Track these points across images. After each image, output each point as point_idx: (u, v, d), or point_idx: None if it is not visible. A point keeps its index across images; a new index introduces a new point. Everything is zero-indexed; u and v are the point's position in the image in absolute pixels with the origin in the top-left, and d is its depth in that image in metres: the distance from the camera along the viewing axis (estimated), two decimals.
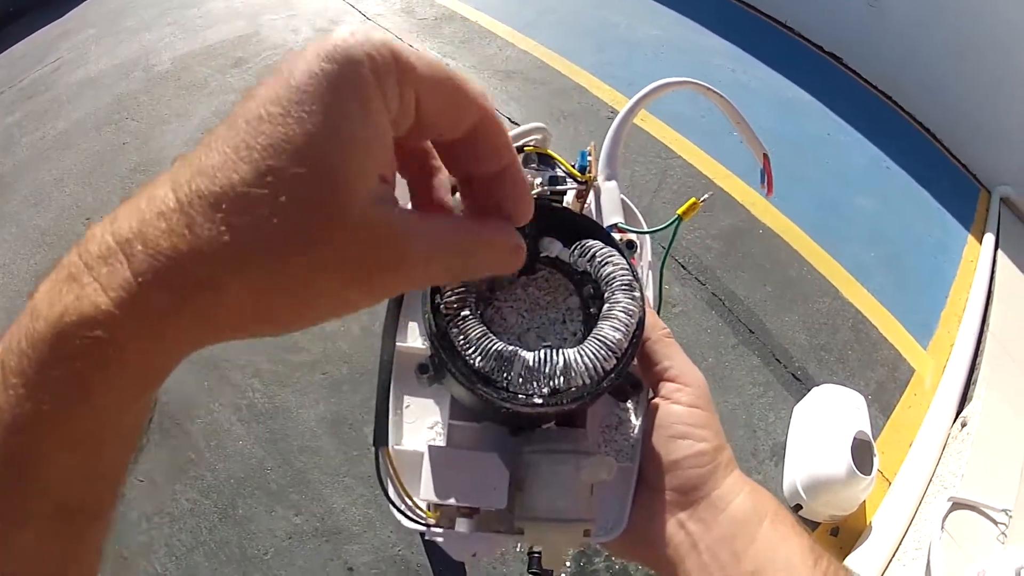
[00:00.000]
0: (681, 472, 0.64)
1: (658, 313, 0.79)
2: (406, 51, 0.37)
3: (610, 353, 0.58)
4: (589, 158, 0.86)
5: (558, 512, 0.62)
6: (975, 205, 4.72)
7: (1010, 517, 2.74)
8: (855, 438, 2.78)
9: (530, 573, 1.19)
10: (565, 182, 0.84)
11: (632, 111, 1.01)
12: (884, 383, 3.50)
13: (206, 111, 4.85)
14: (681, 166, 4.33)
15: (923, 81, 5.12)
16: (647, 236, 0.87)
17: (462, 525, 0.67)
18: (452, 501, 0.64)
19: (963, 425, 3.17)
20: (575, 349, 0.58)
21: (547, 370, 0.57)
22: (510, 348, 0.57)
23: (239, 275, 0.33)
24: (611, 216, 0.87)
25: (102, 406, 0.35)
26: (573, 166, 0.87)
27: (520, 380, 0.56)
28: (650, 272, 0.87)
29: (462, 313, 0.58)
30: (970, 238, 4.44)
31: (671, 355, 0.69)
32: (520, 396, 0.57)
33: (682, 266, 3.78)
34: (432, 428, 0.73)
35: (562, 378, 0.57)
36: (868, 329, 3.71)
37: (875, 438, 3.01)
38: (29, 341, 0.34)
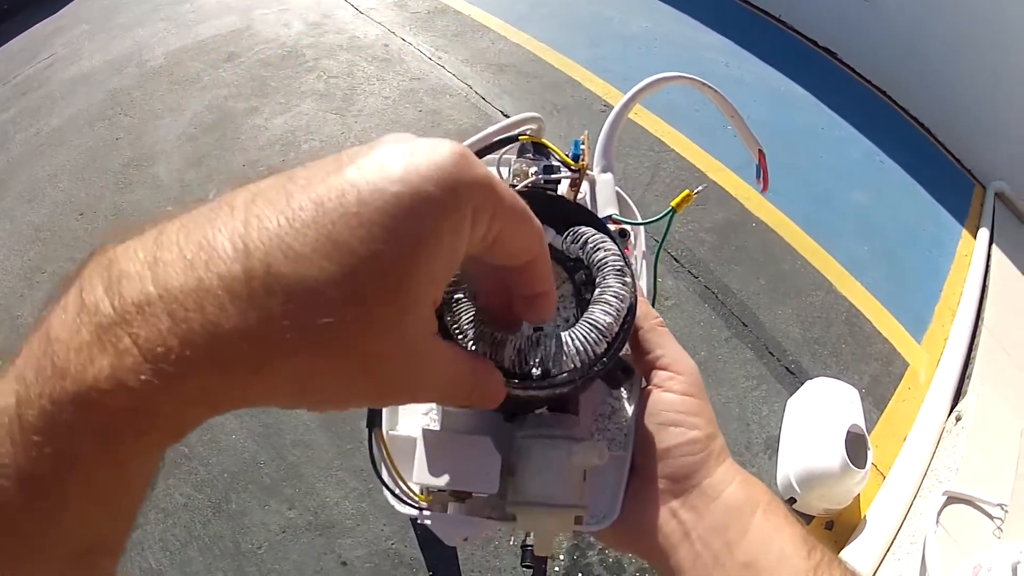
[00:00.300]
0: (673, 460, 0.64)
1: (652, 304, 0.79)
2: (503, 189, 0.38)
3: (600, 336, 0.58)
4: (582, 147, 0.87)
5: (549, 497, 0.61)
6: (969, 200, 4.73)
7: (1006, 511, 2.74)
8: (849, 431, 2.78)
9: (523, 567, 1.19)
10: (559, 171, 0.84)
11: (627, 105, 1.02)
12: (878, 377, 3.50)
13: (199, 105, 4.86)
14: (674, 159, 4.33)
15: (918, 76, 5.13)
16: (641, 227, 0.87)
17: (454, 509, 0.67)
18: (444, 484, 0.64)
19: (958, 419, 3.17)
20: (566, 332, 0.58)
21: (538, 353, 0.56)
22: (499, 333, 0.57)
23: (288, 366, 0.33)
24: (606, 207, 0.88)
25: (130, 464, 0.34)
26: (567, 155, 0.87)
27: (511, 363, 0.56)
28: (644, 262, 0.87)
29: (455, 297, 0.58)
30: (964, 233, 4.44)
31: (663, 343, 0.69)
32: (511, 379, 0.56)
33: (675, 259, 3.78)
34: (426, 414, 0.73)
35: (553, 361, 0.56)
36: (862, 323, 3.71)
37: (869, 432, 3.01)
38: (53, 398, 0.31)
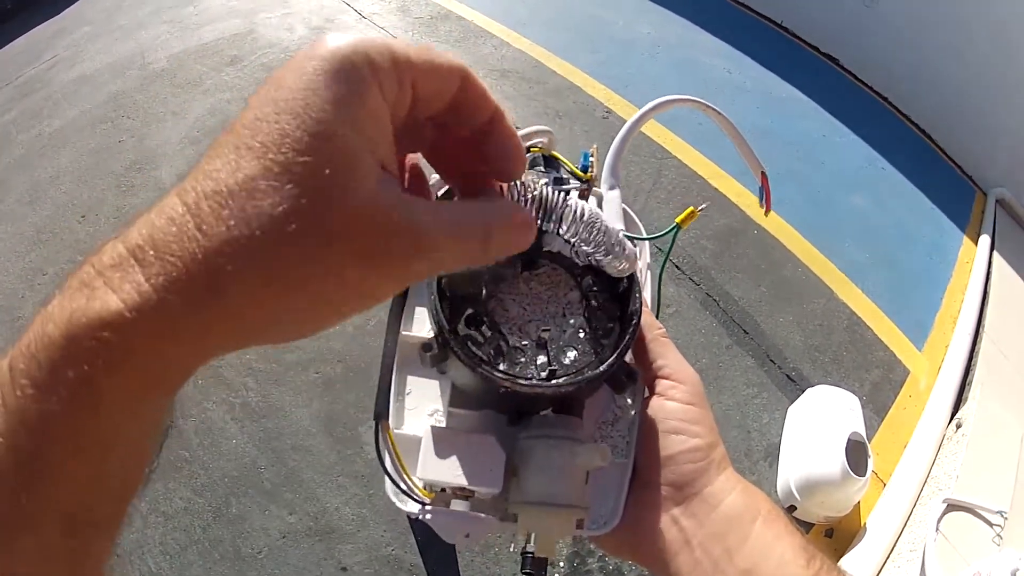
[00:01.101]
0: (675, 467, 0.65)
1: (656, 316, 0.80)
2: (400, 45, 0.38)
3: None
4: (591, 159, 0.90)
5: (551, 496, 0.62)
6: (970, 207, 4.74)
7: (1006, 519, 2.74)
8: (849, 439, 2.78)
9: (523, 574, 1.19)
10: (568, 183, 0.87)
11: (636, 125, 1.04)
12: (879, 384, 3.50)
13: (201, 109, 4.85)
14: (676, 166, 4.33)
15: (919, 82, 5.14)
16: (646, 242, 0.89)
17: (457, 506, 0.68)
18: (448, 481, 0.65)
19: (958, 426, 3.17)
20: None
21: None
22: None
23: (253, 270, 0.33)
24: (612, 223, 0.89)
25: (110, 411, 0.34)
26: (576, 167, 0.88)
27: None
28: (648, 274, 0.89)
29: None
30: (965, 239, 4.45)
31: (666, 353, 0.70)
32: (519, 377, 0.58)
33: (676, 267, 3.77)
34: (432, 416, 0.74)
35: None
36: (863, 330, 3.71)
37: (870, 439, 3.01)
38: (39, 344, 0.34)
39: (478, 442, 0.66)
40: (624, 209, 0.92)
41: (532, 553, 0.67)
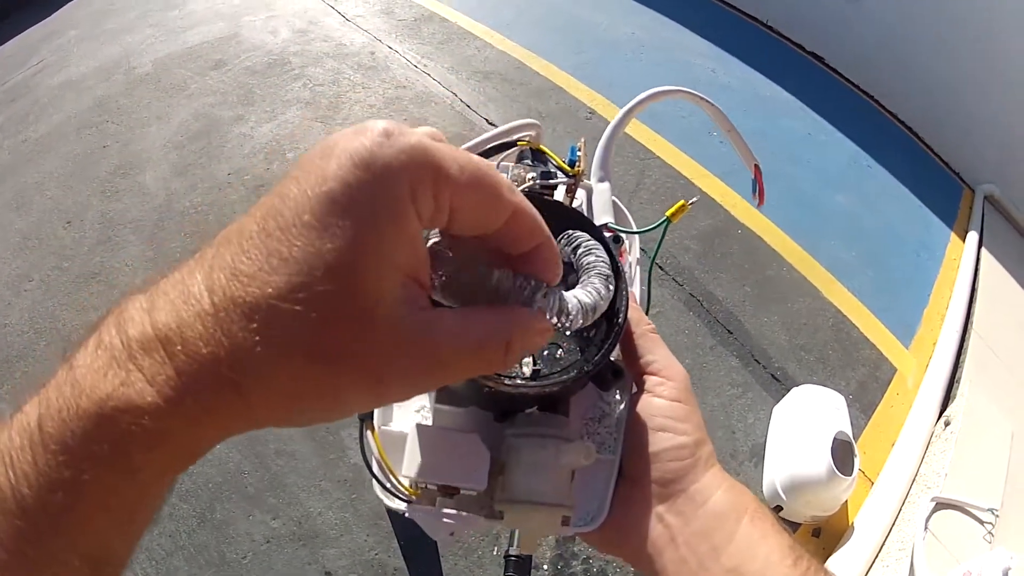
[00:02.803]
0: (661, 464, 0.65)
1: (646, 310, 0.80)
2: (442, 157, 0.37)
3: (580, 313, 0.56)
4: (579, 153, 0.89)
5: (537, 495, 0.63)
6: (958, 203, 4.74)
7: (996, 516, 2.73)
8: (835, 438, 2.78)
9: None
10: (556, 177, 0.87)
11: (626, 117, 1.04)
12: (865, 383, 3.50)
13: (185, 113, 4.86)
14: (659, 166, 4.33)
15: (905, 80, 5.14)
16: (635, 236, 0.88)
17: (443, 504, 0.68)
18: (433, 479, 0.65)
19: (947, 424, 3.17)
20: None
21: None
22: None
23: (272, 380, 0.35)
24: (602, 216, 0.91)
25: (144, 480, 0.37)
26: (564, 161, 0.88)
27: None
28: (638, 269, 0.89)
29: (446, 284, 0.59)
30: (953, 236, 4.45)
31: (654, 349, 0.70)
32: (503, 377, 0.58)
33: (660, 267, 3.77)
34: (419, 412, 0.75)
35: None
36: (849, 329, 3.71)
37: (857, 438, 3.01)
38: (72, 414, 0.35)
39: (463, 440, 0.66)
40: (614, 201, 0.91)
41: (516, 556, 0.66)
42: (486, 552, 2.79)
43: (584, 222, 0.67)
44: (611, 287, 0.60)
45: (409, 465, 0.65)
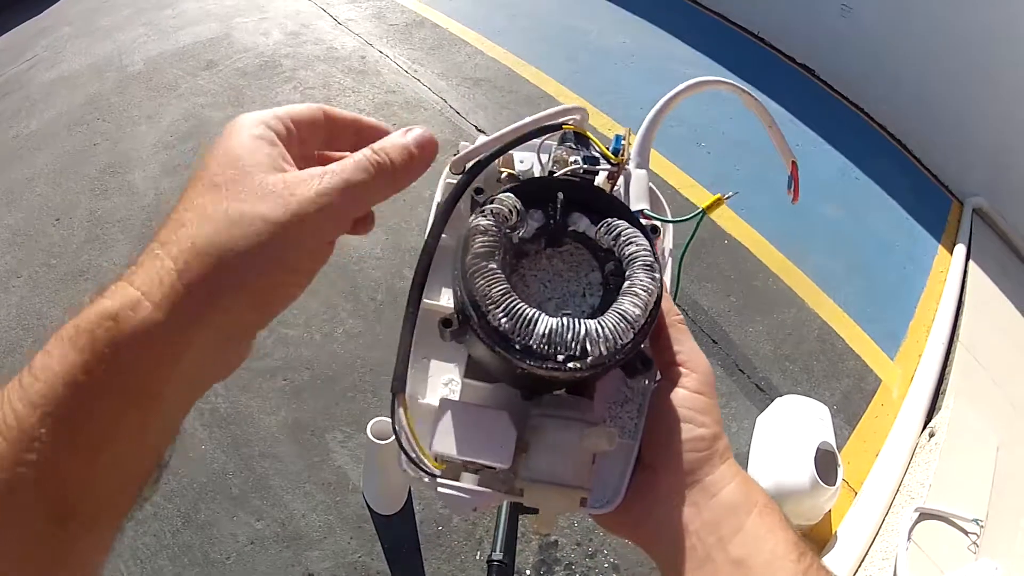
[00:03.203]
0: (679, 455, 0.65)
1: (674, 299, 0.80)
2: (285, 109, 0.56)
3: (628, 327, 0.60)
4: (623, 142, 0.87)
5: (557, 476, 0.64)
6: (946, 216, 4.76)
7: (981, 527, 2.74)
8: (819, 448, 2.78)
9: None
10: (599, 163, 0.84)
11: (668, 105, 1.04)
12: (850, 393, 3.51)
13: (176, 113, 4.87)
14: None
15: (894, 92, 5.17)
16: (670, 225, 0.89)
17: (466, 479, 0.69)
18: (461, 455, 0.65)
19: (931, 435, 3.18)
20: (596, 320, 0.60)
21: (568, 337, 0.58)
22: (533, 310, 0.59)
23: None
24: (638, 202, 0.89)
25: (102, 409, 0.41)
26: (608, 149, 0.89)
27: (541, 343, 0.58)
28: (669, 259, 0.89)
29: (490, 266, 0.60)
30: (941, 249, 4.47)
31: (681, 340, 0.71)
32: (538, 359, 0.58)
33: None
34: (447, 385, 0.75)
35: (581, 346, 0.58)
36: (834, 339, 3.72)
37: (841, 448, 3.02)
38: (42, 364, 0.41)
39: (491, 417, 0.67)
40: (651, 189, 0.91)
41: (498, 561, 0.66)
42: (468, 557, 2.79)
43: (624, 211, 0.68)
44: (656, 280, 0.62)
45: (439, 440, 0.66)
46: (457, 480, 0.69)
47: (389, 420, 0.66)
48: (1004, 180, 4.66)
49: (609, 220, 0.66)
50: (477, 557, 2.77)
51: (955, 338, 3.80)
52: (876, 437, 3.33)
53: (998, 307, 4.16)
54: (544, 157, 0.83)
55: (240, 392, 3.25)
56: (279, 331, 3.47)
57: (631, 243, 0.64)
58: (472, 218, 0.63)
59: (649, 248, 0.63)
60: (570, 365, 0.58)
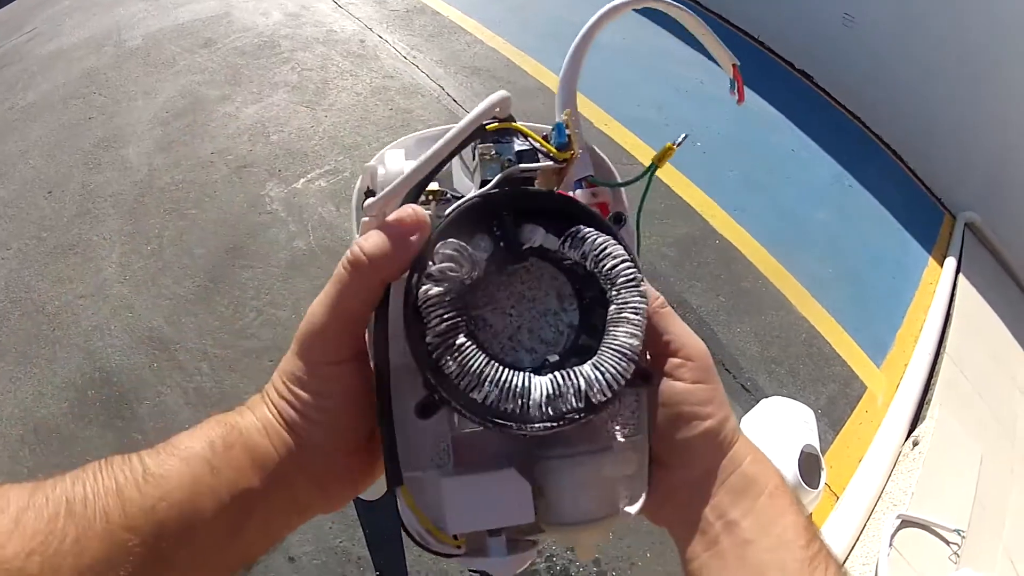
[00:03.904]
0: (687, 452, 0.65)
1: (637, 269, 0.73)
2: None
3: (629, 363, 0.55)
4: (568, 131, 0.67)
5: (587, 514, 0.61)
6: (938, 228, 4.77)
7: (963, 537, 2.75)
8: (803, 451, 2.78)
9: None
10: (537, 157, 0.66)
11: (588, 36, 0.85)
12: (835, 398, 3.51)
13: (172, 90, 4.84)
14: (636, 172, 4.27)
15: (892, 103, 5.18)
16: (621, 189, 0.78)
17: (494, 543, 0.63)
18: (482, 527, 0.61)
19: (915, 444, 3.19)
20: (590, 364, 0.55)
21: (568, 395, 0.54)
22: (521, 376, 0.54)
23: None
24: (578, 170, 0.78)
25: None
26: (551, 144, 0.67)
27: (540, 411, 0.53)
28: (627, 218, 0.80)
29: (457, 342, 0.53)
30: (931, 261, 4.48)
31: (669, 326, 0.66)
32: (539, 423, 0.54)
33: None
34: (441, 444, 0.66)
35: (584, 400, 0.54)
36: (821, 344, 3.72)
37: (824, 452, 3.01)
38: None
39: (499, 480, 0.61)
40: (593, 149, 0.78)
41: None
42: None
43: (585, 215, 0.59)
44: (645, 296, 0.58)
45: (454, 522, 0.60)
46: (483, 548, 0.63)
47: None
48: (998, 196, 4.68)
49: (572, 231, 0.57)
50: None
51: (942, 349, 3.81)
52: (860, 443, 3.34)
53: (986, 321, 4.18)
54: (470, 163, 0.68)
55: (226, 372, 3.22)
56: (267, 312, 3.44)
57: (606, 257, 0.57)
58: (424, 288, 0.53)
59: (627, 256, 0.57)
60: (575, 417, 0.54)
